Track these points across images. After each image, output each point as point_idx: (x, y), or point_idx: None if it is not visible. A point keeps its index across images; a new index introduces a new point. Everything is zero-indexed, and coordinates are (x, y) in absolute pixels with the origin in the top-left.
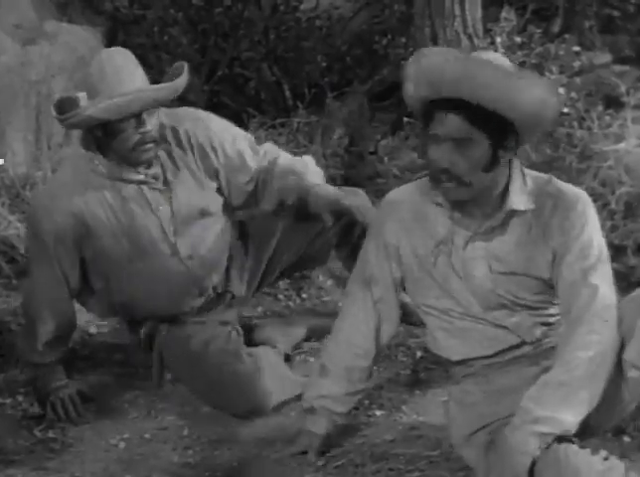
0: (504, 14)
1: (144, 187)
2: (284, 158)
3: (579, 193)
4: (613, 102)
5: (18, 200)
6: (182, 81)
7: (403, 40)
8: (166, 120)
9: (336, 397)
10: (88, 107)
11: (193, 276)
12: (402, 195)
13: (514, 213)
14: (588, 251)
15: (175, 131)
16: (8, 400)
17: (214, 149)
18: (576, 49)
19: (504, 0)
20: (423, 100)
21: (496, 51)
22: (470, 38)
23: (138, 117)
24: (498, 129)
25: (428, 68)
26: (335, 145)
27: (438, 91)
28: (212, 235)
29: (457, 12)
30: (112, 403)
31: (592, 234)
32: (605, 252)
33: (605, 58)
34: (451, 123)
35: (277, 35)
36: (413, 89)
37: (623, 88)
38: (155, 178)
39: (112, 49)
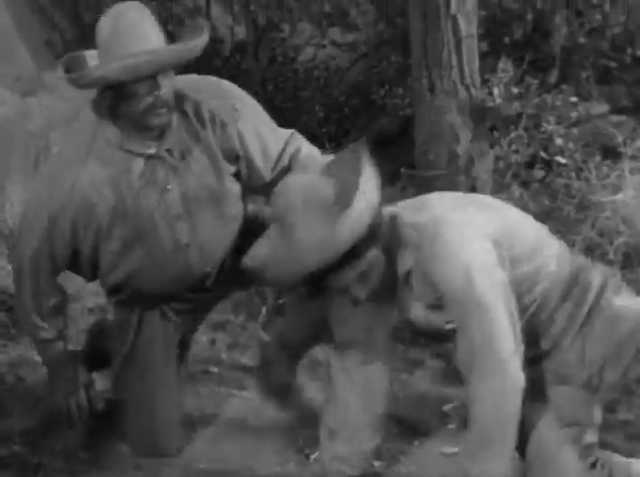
0: (501, 65)
1: (155, 162)
2: (306, 149)
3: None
4: (611, 153)
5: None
6: (201, 42)
7: (401, 90)
8: (188, 91)
9: (346, 457)
10: (99, 67)
11: (188, 266)
12: None
13: None
14: None
15: (197, 105)
16: (4, 451)
17: (238, 132)
18: (573, 99)
19: (501, 50)
20: None
21: (494, 101)
22: (467, 88)
23: (152, 79)
24: None
25: None
26: None
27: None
28: (217, 222)
29: (454, 63)
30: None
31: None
32: None
33: (602, 108)
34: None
35: (275, 85)
36: None
37: (620, 139)
38: (168, 152)
39: (126, 3)
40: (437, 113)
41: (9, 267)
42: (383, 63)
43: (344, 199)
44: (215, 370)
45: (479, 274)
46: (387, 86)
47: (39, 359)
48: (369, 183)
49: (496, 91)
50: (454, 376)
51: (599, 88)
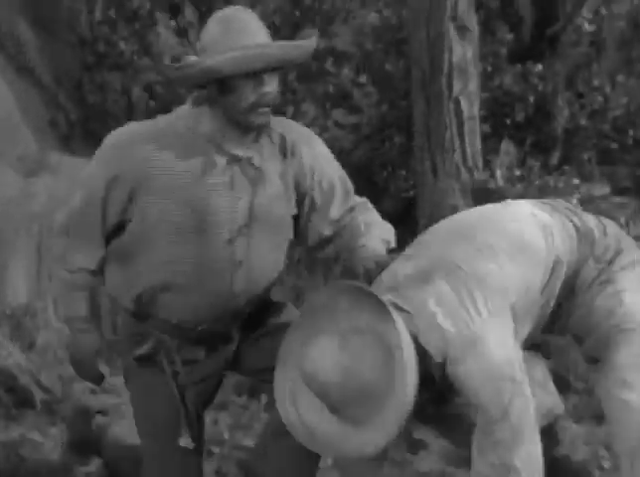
0: (503, 147)
1: (235, 168)
2: (366, 218)
3: None
4: None
5: (18, 330)
6: (312, 44)
7: (404, 172)
8: (275, 125)
9: None
10: (209, 58)
11: (230, 285)
12: None
13: None
14: None
15: (282, 137)
16: None
17: (312, 175)
18: (576, 181)
19: (503, 132)
20: None
21: (496, 183)
22: (470, 170)
23: (258, 77)
24: None
25: None
26: None
27: None
28: (271, 248)
29: (457, 145)
30: None
31: None
32: None
33: (604, 189)
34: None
35: None
36: None
37: (623, 220)
38: (249, 162)
39: (233, 7)
40: (440, 195)
41: (11, 347)
42: (385, 144)
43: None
44: (217, 450)
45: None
46: (389, 168)
47: (40, 439)
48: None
49: (498, 173)
50: (458, 457)
51: (601, 169)
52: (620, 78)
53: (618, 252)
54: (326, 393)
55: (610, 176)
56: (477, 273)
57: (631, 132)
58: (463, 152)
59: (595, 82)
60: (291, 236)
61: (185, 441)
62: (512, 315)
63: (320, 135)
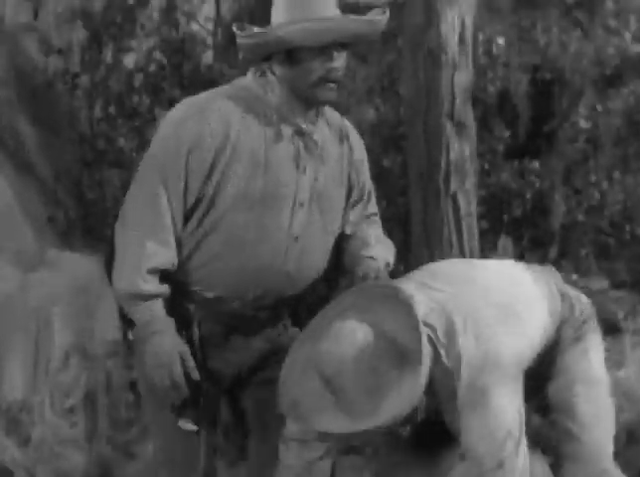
0: (501, 242)
1: (299, 141)
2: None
3: None
4: (611, 329)
5: (14, 425)
6: (383, 19)
7: (402, 267)
8: (329, 110)
9: None
10: (280, 28)
11: (284, 261)
12: None
13: None
14: None
15: (338, 123)
16: None
17: (358, 169)
18: (573, 276)
19: (500, 228)
20: None
21: None
22: None
23: (327, 51)
24: None
25: None
26: None
27: None
28: (322, 233)
29: (454, 241)
30: None
31: None
32: None
33: (602, 283)
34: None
35: None
36: None
37: (621, 315)
38: (312, 137)
39: None
40: None
41: (7, 442)
42: None
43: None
44: None
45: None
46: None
47: None
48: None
49: None
50: None
51: (599, 264)
52: (617, 174)
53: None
54: (337, 372)
55: (608, 271)
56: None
57: (628, 228)
58: (461, 248)
59: (592, 179)
60: (339, 225)
61: (185, 424)
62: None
63: None
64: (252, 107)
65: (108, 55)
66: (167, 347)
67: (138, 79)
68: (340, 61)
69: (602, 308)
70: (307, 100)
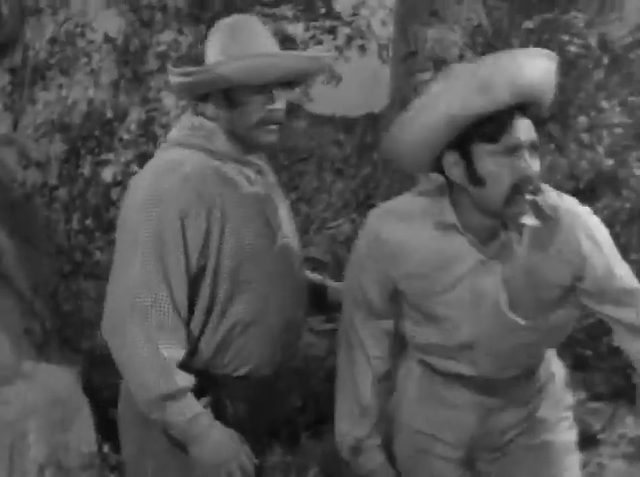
0: None
1: (261, 179)
2: None
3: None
4: (589, 441)
5: None
6: (327, 56)
7: None
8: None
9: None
10: (220, 65)
11: (302, 309)
12: (401, 233)
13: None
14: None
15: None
16: None
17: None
18: None
19: None
20: (497, 107)
21: None
22: None
23: (268, 91)
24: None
25: (514, 70)
26: None
27: (520, 94)
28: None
29: None
30: None
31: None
32: None
33: (579, 395)
34: (529, 129)
35: None
36: (487, 98)
37: (598, 426)
38: (265, 175)
39: (239, 15)
40: None
41: None
42: None
43: None
44: None
45: None
46: None
47: None
48: None
49: None
50: None
51: (576, 376)
52: None
53: None
54: None
55: (585, 382)
56: None
57: (605, 340)
58: None
59: None
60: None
61: None
62: None
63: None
64: (210, 161)
65: (86, 168)
66: (225, 438)
67: (115, 193)
68: (281, 101)
69: (579, 420)
70: (247, 144)
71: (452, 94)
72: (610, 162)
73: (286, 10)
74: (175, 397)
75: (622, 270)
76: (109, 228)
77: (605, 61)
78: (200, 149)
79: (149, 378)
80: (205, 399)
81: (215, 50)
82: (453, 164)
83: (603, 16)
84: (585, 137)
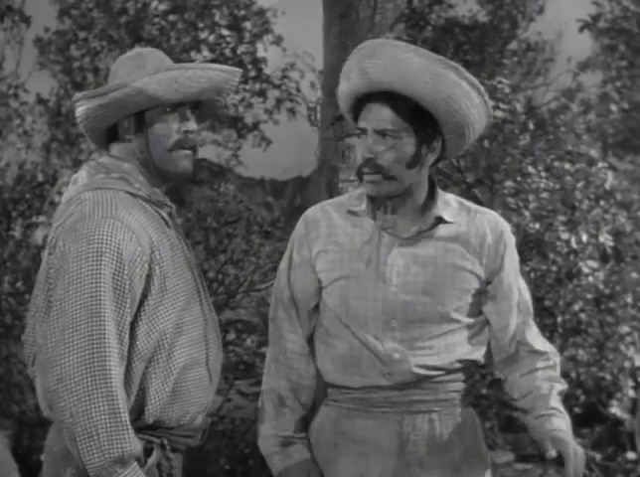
0: None
1: (173, 221)
2: None
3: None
4: None
5: None
6: (238, 71)
7: None
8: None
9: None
10: (141, 79)
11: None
12: (319, 213)
13: (440, 221)
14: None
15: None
16: None
17: None
18: None
19: None
20: (355, 95)
21: None
22: None
23: (182, 111)
24: (424, 126)
25: (364, 55)
26: None
27: (371, 82)
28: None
29: None
30: None
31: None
32: None
33: (507, 456)
34: (379, 115)
35: None
36: (347, 84)
37: None
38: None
39: (141, 48)
40: None
41: None
42: None
43: None
44: None
45: None
46: None
47: None
48: None
49: None
50: None
51: (504, 436)
52: None
53: None
54: None
55: (513, 442)
56: None
57: None
58: None
59: None
60: None
61: None
62: None
63: (222, 406)
64: (136, 204)
65: (17, 230)
66: None
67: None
68: (194, 123)
69: None
70: (162, 174)
71: (342, 75)
72: (536, 226)
73: None
74: (126, 462)
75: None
76: None
77: (531, 126)
78: (121, 191)
79: (104, 439)
80: (152, 459)
81: (124, 70)
82: None
83: (529, 81)
84: (512, 201)
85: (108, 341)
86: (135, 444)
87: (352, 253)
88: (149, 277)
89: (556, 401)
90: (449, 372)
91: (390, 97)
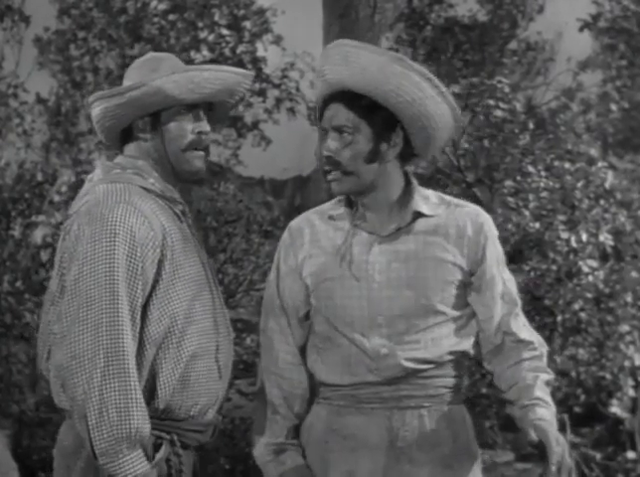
0: None
1: (186, 220)
2: None
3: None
4: None
5: None
6: (251, 74)
7: None
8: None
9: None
10: (160, 78)
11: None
12: (302, 221)
13: (419, 215)
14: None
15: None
16: None
17: None
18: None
19: None
20: (321, 99)
21: None
22: None
23: (196, 111)
24: (379, 121)
25: (321, 60)
26: None
27: (329, 84)
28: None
29: None
30: None
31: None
32: None
33: (507, 456)
34: (335, 113)
35: None
36: (316, 91)
37: None
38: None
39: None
40: None
41: None
42: None
43: None
44: None
45: None
46: None
47: None
48: None
49: None
50: None
51: (504, 436)
52: None
53: None
54: None
55: (513, 442)
56: None
57: None
58: None
59: None
60: None
61: None
62: None
63: (223, 404)
64: (149, 197)
65: (17, 230)
66: None
67: (45, 255)
68: (206, 124)
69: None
70: (176, 174)
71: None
72: (536, 225)
73: None
74: (133, 443)
75: None
76: (39, 289)
77: (531, 125)
78: (135, 185)
79: (113, 416)
80: (160, 453)
81: (139, 75)
82: None
83: (529, 80)
84: (512, 201)
85: (123, 319)
86: (145, 423)
87: (334, 256)
88: (161, 262)
89: (540, 391)
90: (438, 365)
91: (345, 96)
